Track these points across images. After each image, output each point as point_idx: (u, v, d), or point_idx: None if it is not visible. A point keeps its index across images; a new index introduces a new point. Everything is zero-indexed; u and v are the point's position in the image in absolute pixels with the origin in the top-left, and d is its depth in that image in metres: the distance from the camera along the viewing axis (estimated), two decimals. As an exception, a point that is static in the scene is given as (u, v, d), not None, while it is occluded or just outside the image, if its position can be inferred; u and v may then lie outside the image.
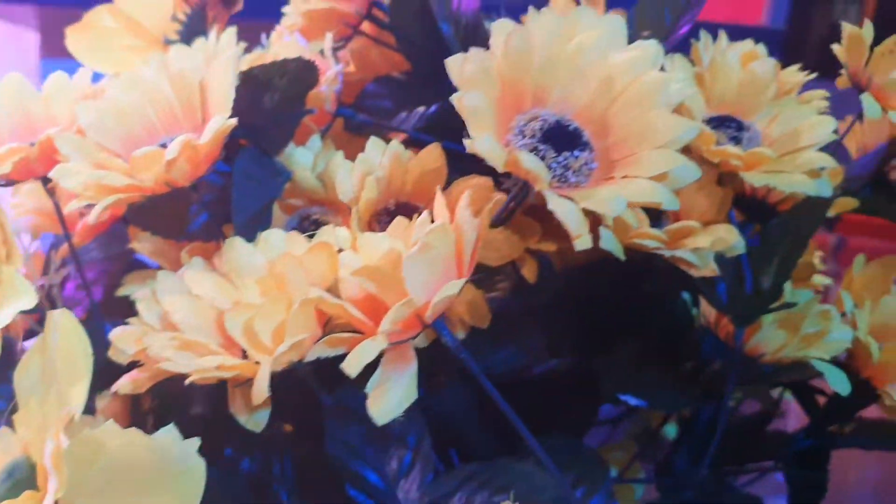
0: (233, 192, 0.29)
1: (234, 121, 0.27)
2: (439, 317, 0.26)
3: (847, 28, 0.41)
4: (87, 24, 0.39)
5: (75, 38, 0.38)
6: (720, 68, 0.34)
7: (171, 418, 0.36)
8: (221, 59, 0.28)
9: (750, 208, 0.39)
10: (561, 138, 0.25)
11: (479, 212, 0.27)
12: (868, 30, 0.42)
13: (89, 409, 0.34)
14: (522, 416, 0.42)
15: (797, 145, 0.33)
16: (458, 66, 0.24)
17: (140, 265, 0.37)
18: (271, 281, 0.25)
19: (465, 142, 0.23)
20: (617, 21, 0.31)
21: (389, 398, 0.24)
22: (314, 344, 0.24)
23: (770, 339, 0.33)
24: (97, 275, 0.37)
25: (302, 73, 0.31)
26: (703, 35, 0.38)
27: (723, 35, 0.40)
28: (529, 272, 0.38)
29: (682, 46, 0.37)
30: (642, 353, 0.36)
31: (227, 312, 0.24)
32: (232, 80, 0.27)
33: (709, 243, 0.32)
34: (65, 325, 0.29)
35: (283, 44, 0.34)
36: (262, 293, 0.25)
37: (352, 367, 0.23)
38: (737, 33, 0.40)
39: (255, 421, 0.29)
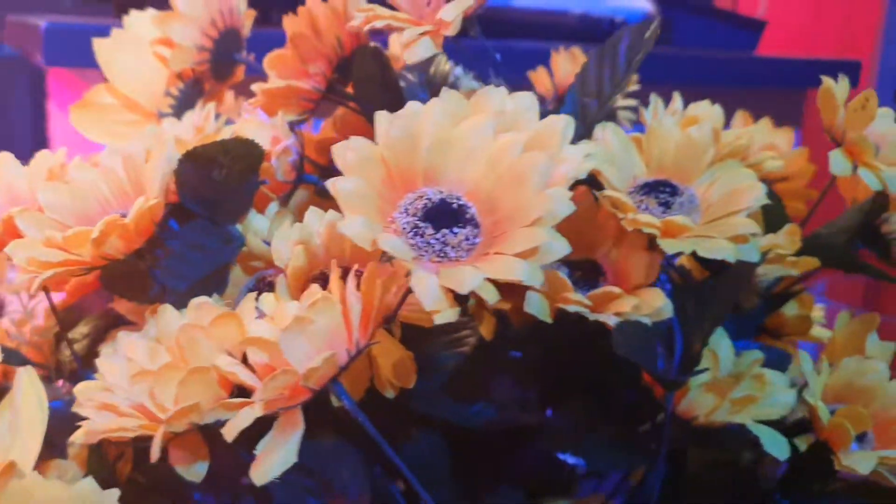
0: (170, 262, 0.32)
1: (157, 201, 0.30)
2: (335, 380, 0.28)
3: (825, 82, 0.41)
4: (87, 102, 0.43)
5: (78, 114, 0.43)
6: (657, 133, 0.35)
7: (145, 461, 0.39)
8: (158, 143, 0.31)
9: (707, 263, 0.40)
10: (444, 215, 0.27)
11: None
12: (843, 84, 0.41)
13: (64, 454, 0.37)
14: (501, 467, 0.43)
15: (729, 210, 0.33)
16: (341, 153, 0.26)
17: (127, 321, 0.41)
18: (177, 349, 0.28)
19: (337, 224, 0.25)
20: (528, 98, 0.32)
21: (269, 462, 0.26)
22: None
23: (699, 402, 0.33)
24: (90, 329, 0.40)
25: (245, 152, 0.33)
26: (653, 98, 0.39)
27: (676, 97, 0.40)
28: (486, 330, 0.39)
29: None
30: (593, 411, 0.37)
31: (132, 377, 0.27)
32: (162, 162, 0.30)
33: (630, 308, 0.32)
34: (26, 382, 0.32)
35: (243, 120, 0.36)
36: (171, 360, 0.28)
37: (229, 432, 0.25)
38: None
39: (194, 472, 0.31)
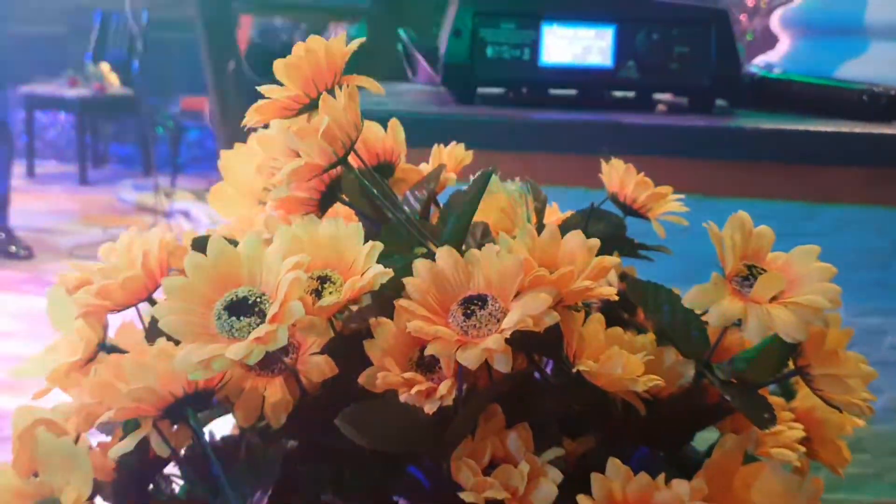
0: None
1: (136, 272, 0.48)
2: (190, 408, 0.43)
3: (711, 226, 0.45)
4: (217, 191, 0.62)
5: (214, 199, 0.62)
6: (485, 256, 0.43)
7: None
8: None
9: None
10: (242, 307, 0.40)
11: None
12: (735, 223, 0.44)
13: None
14: None
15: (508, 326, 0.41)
16: (185, 262, 0.41)
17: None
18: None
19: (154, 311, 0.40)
20: (353, 228, 0.44)
21: (119, 447, 0.42)
22: None
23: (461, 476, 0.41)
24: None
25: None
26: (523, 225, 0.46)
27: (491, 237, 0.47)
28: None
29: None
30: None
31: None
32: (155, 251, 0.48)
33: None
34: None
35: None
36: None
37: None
38: None
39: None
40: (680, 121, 1.05)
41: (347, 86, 0.45)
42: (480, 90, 1.12)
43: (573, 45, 1.07)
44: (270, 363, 0.48)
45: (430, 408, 0.42)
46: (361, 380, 0.45)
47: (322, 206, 0.54)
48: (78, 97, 5.36)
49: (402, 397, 0.43)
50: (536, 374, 0.48)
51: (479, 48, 1.06)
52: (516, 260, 0.42)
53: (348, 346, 0.48)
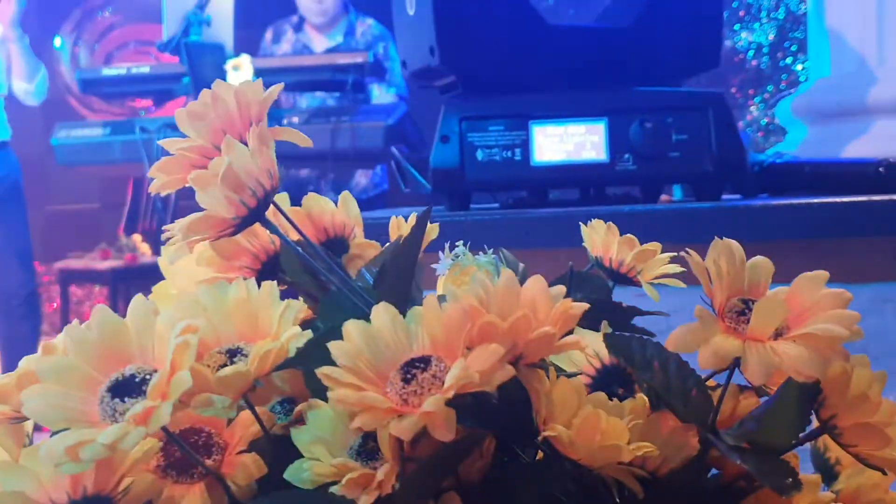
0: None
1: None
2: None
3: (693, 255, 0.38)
4: (159, 290, 0.56)
5: (156, 297, 0.56)
6: (427, 310, 0.36)
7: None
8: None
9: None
10: (129, 388, 0.33)
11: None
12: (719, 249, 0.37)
13: None
14: None
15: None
16: (66, 335, 0.35)
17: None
18: None
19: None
20: (268, 287, 0.37)
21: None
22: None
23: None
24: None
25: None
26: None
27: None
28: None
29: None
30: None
31: None
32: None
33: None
34: None
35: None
36: None
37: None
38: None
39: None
40: (687, 205, 0.99)
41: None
42: (474, 205, 1.07)
43: (565, 143, 1.02)
44: (187, 466, 0.40)
45: (365, 500, 0.34)
46: (287, 474, 0.37)
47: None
48: (110, 269, 5.44)
49: (334, 489, 0.35)
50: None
51: (468, 152, 1.02)
52: (460, 308, 0.35)
53: (285, 444, 0.41)
